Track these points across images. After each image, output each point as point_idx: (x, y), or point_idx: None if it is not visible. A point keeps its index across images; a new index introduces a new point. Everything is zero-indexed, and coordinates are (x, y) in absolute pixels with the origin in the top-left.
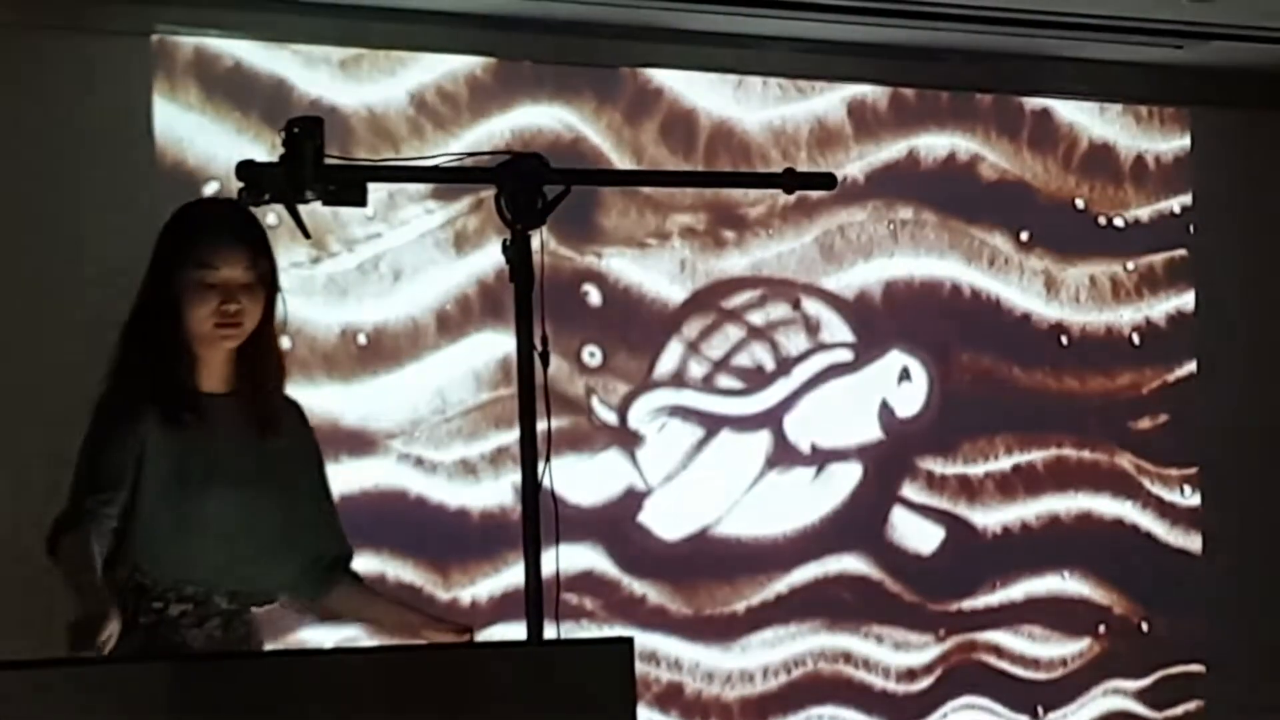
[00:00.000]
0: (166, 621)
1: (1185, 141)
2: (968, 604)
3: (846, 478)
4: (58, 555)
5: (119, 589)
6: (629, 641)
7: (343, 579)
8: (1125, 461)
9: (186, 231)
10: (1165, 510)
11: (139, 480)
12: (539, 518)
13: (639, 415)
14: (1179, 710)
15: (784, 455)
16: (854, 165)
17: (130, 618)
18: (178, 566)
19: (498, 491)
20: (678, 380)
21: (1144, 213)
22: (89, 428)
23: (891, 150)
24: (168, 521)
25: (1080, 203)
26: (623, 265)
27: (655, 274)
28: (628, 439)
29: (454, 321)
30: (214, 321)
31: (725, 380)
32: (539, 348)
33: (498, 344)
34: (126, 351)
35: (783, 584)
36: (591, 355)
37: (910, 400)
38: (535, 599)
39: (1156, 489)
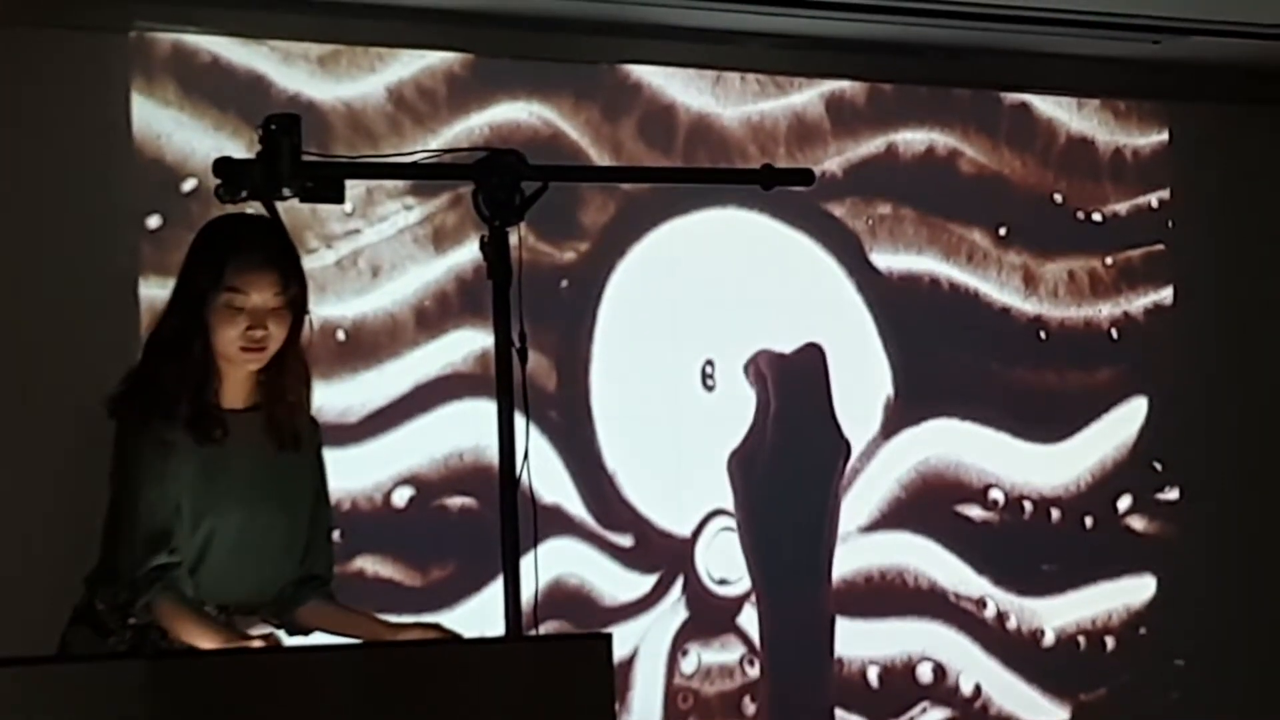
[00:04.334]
0: (154, 626)
1: (1163, 136)
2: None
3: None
4: (159, 614)
5: (111, 593)
6: (607, 638)
7: (314, 594)
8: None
9: (218, 252)
10: (1143, 505)
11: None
12: (517, 514)
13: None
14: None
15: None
16: (832, 161)
17: (120, 617)
18: (188, 577)
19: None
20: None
21: (1122, 207)
22: (129, 470)
23: (870, 146)
24: (186, 535)
25: (1058, 197)
26: None
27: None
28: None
29: (433, 318)
30: (240, 345)
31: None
32: (517, 344)
33: (476, 340)
34: (151, 362)
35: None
36: None
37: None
38: (513, 596)
39: (1134, 483)
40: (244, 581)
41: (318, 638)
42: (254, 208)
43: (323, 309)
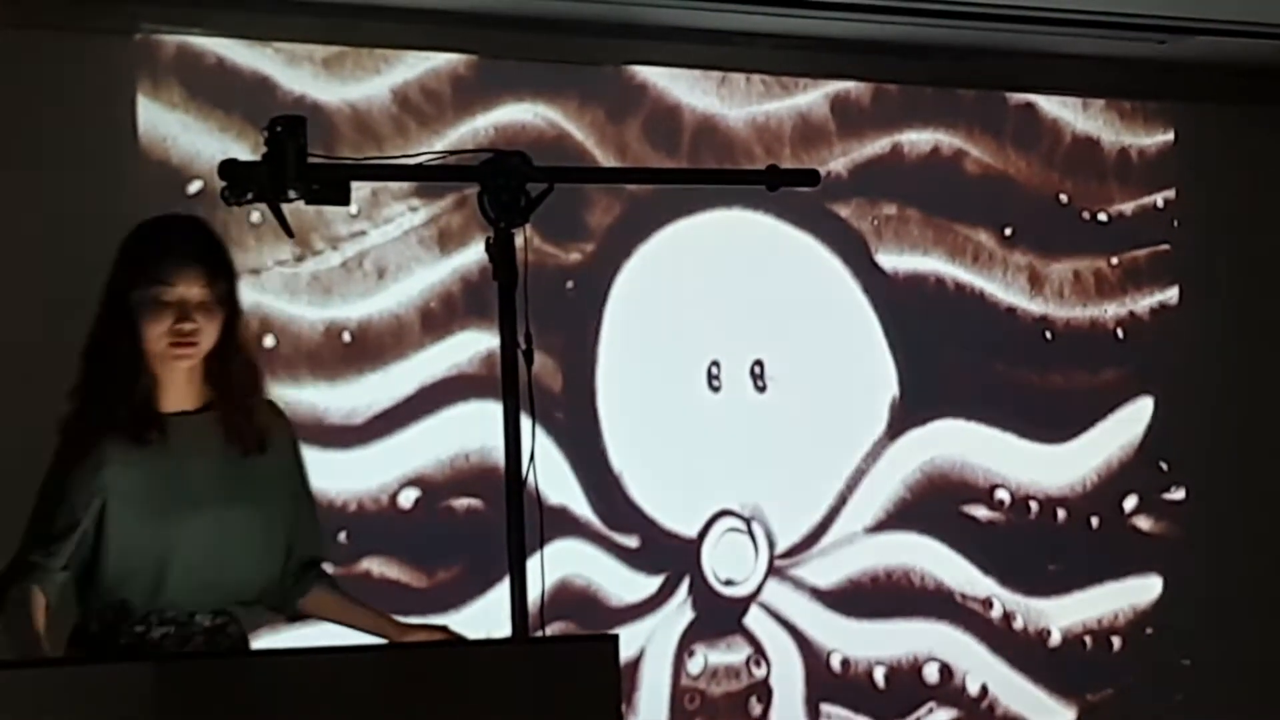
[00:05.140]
0: (148, 644)
1: (1169, 136)
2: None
3: None
4: (3, 608)
5: (98, 614)
6: (614, 639)
7: (316, 582)
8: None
9: (142, 248)
10: (1149, 505)
11: (104, 512)
12: (523, 515)
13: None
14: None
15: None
16: (837, 162)
17: (111, 640)
18: (156, 590)
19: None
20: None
21: (1127, 207)
22: (48, 469)
23: (875, 146)
24: (142, 546)
25: (1064, 198)
26: None
27: None
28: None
29: (438, 319)
30: (168, 340)
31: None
32: (522, 345)
33: (482, 341)
34: (87, 372)
35: None
36: None
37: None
38: (519, 597)
39: (1140, 483)
40: (226, 586)
41: (325, 635)
42: (259, 210)
43: (328, 310)
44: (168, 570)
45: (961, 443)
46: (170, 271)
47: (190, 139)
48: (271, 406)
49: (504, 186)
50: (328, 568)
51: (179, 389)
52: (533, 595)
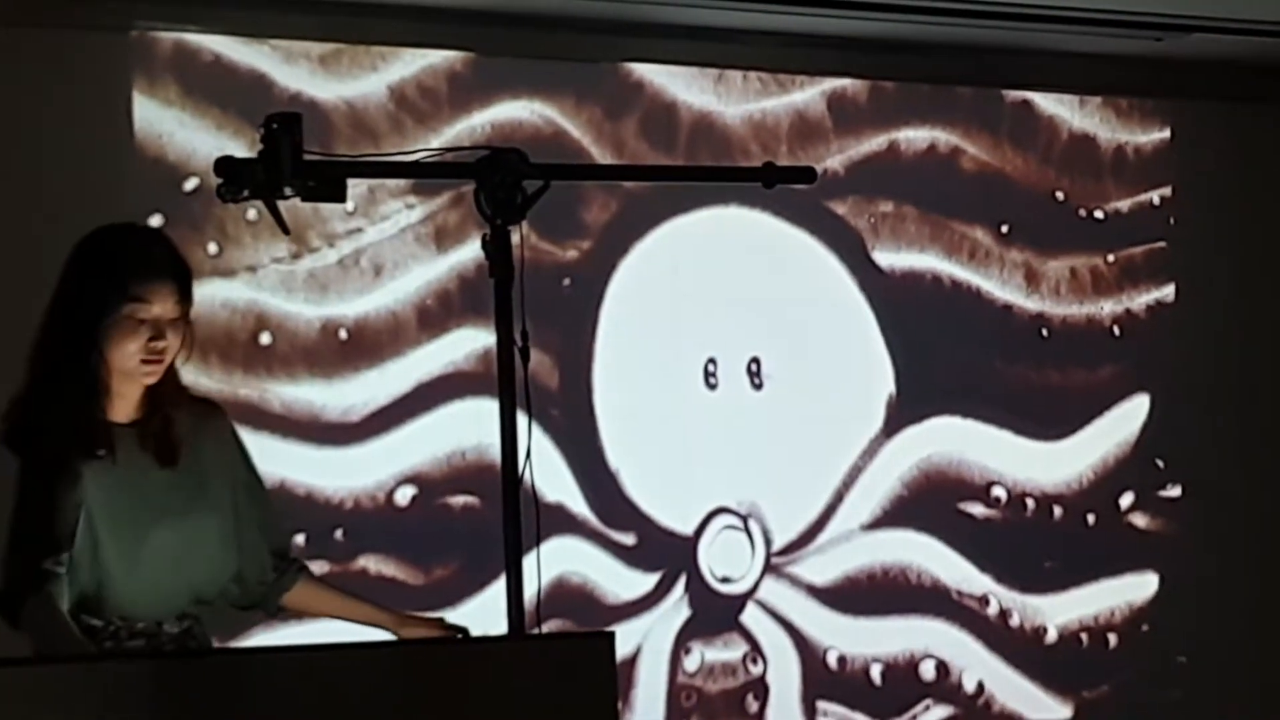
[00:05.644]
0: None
1: (1165, 134)
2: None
3: None
4: (22, 622)
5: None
6: (610, 636)
7: (299, 577)
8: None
9: (117, 262)
10: (1145, 502)
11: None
12: (520, 513)
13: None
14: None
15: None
16: (834, 159)
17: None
18: (122, 604)
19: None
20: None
21: (1124, 205)
22: (26, 480)
23: (872, 144)
24: (106, 561)
25: (1060, 195)
26: None
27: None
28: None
29: (435, 316)
30: (140, 358)
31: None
32: (519, 343)
33: (478, 339)
34: (38, 382)
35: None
36: None
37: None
38: (516, 594)
39: (1136, 480)
40: (186, 592)
41: (324, 632)
42: (256, 207)
43: (325, 308)
44: (131, 585)
45: (958, 440)
46: (147, 289)
47: (186, 136)
48: (202, 403)
49: (500, 184)
50: (325, 565)
51: (127, 402)
52: (529, 592)
